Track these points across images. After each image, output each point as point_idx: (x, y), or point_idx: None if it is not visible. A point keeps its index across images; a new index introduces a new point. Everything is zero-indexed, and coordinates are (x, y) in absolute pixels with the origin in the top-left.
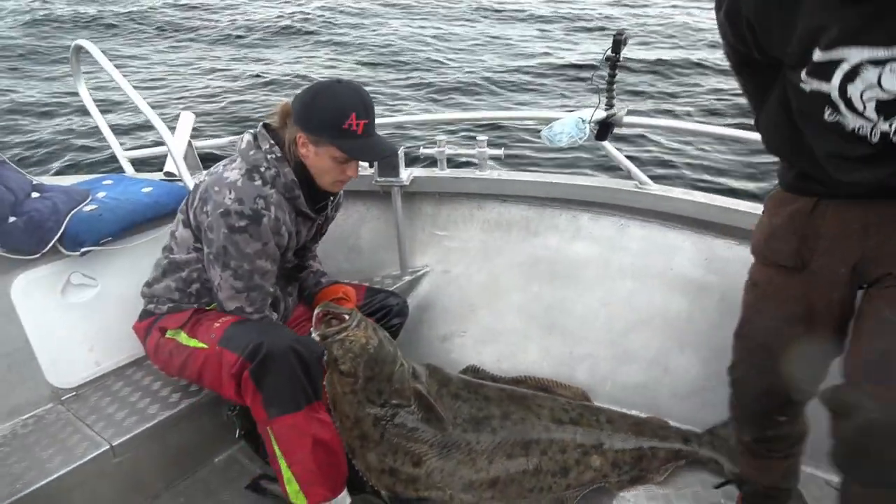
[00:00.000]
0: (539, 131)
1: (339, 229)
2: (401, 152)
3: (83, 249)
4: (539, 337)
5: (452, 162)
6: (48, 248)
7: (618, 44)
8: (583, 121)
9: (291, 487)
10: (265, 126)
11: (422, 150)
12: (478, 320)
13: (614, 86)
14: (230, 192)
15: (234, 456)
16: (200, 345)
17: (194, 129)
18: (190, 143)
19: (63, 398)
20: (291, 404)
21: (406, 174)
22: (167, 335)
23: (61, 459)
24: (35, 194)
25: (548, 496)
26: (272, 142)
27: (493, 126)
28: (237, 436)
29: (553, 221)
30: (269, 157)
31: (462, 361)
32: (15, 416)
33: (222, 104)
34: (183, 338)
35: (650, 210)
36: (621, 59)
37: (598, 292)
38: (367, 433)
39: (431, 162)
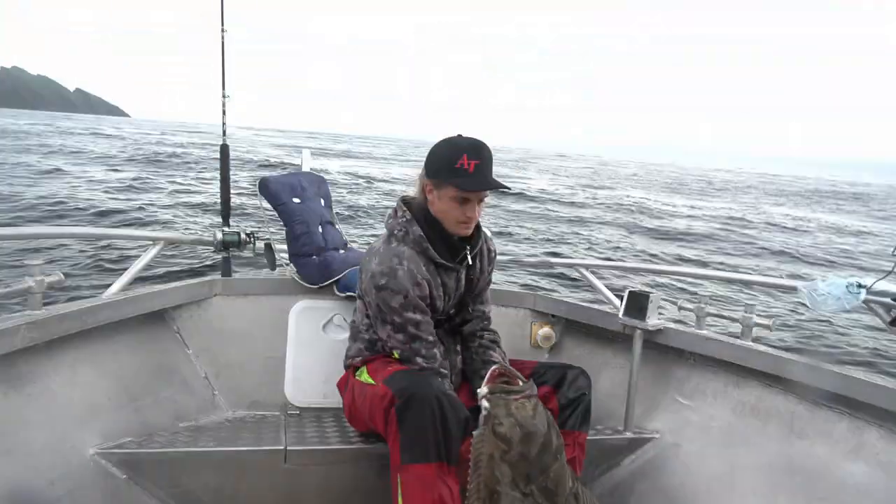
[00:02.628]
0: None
1: None
2: (654, 296)
3: (347, 293)
4: None
5: (713, 326)
6: (326, 284)
7: None
8: (859, 285)
9: None
10: (402, 199)
11: (681, 304)
12: None
13: None
14: (375, 258)
15: None
16: (372, 382)
17: None
18: None
19: (288, 412)
20: (424, 454)
21: (655, 321)
22: (356, 376)
23: (250, 439)
24: (342, 251)
25: None
26: (404, 208)
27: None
28: None
29: (826, 426)
30: (400, 220)
31: None
32: (253, 409)
33: None
34: (364, 376)
35: None
36: None
37: None
38: None
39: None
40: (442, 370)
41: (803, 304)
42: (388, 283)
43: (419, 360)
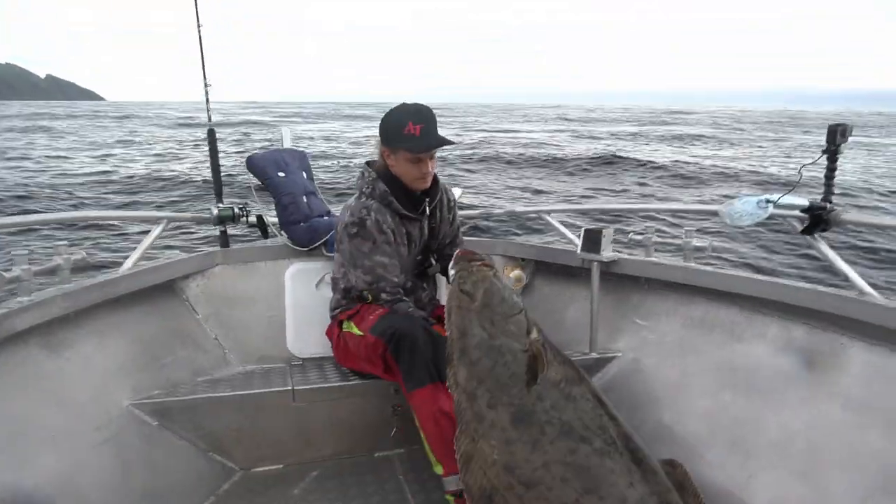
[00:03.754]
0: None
1: (546, 303)
2: (607, 231)
3: (334, 253)
4: (717, 450)
5: (661, 252)
6: (315, 246)
7: (833, 134)
8: (767, 201)
9: (431, 456)
10: (367, 163)
11: (631, 236)
12: (656, 416)
13: (833, 180)
14: (347, 212)
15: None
16: (360, 333)
17: None
18: None
19: (292, 363)
20: (420, 381)
21: (609, 253)
22: (343, 328)
23: (261, 385)
24: (325, 217)
25: None
26: (370, 170)
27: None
28: (392, 433)
29: (762, 329)
30: (367, 179)
31: None
32: (261, 362)
33: None
34: (353, 328)
35: (875, 326)
36: (842, 151)
37: (801, 416)
38: (468, 349)
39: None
40: (404, 299)
41: (725, 224)
42: (359, 232)
43: (384, 295)
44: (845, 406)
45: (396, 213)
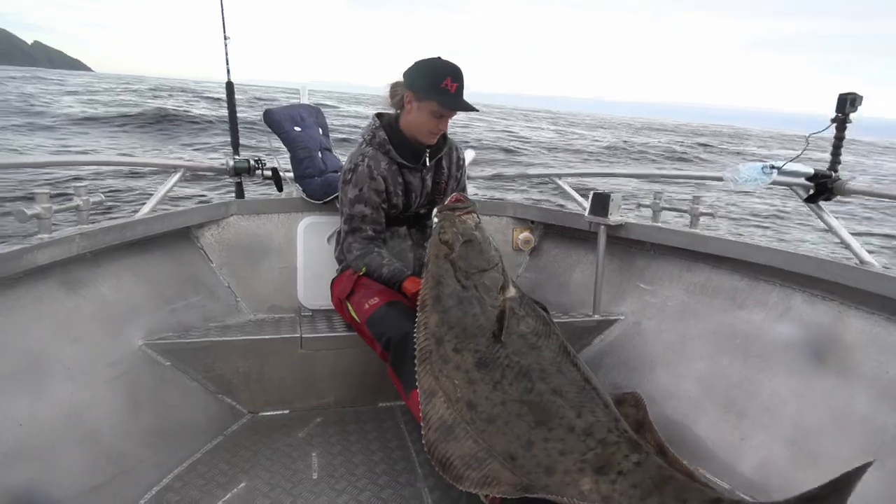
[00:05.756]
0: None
1: (553, 265)
2: (615, 196)
3: None
4: (711, 412)
5: (668, 219)
6: (328, 199)
7: (843, 103)
8: (772, 167)
9: None
10: (376, 113)
11: (639, 202)
12: (654, 378)
13: (841, 149)
14: (347, 159)
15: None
16: (357, 319)
17: None
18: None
19: (302, 313)
20: (414, 384)
21: (616, 217)
22: (346, 309)
23: (270, 332)
24: (339, 173)
25: (517, 474)
26: (377, 120)
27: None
28: None
29: (762, 297)
30: (371, 127)
31: None
32: (272, 312)
33: None
34: (352, 312)
35: (873, 294)
36: (851, 120)
37: (792, 381)
38: (441, 297)
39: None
40: (376, 251)
41: (729, 190)
42: (350, 177)
43: (355, 250)
44: (839, 373)
45: (394, 161)
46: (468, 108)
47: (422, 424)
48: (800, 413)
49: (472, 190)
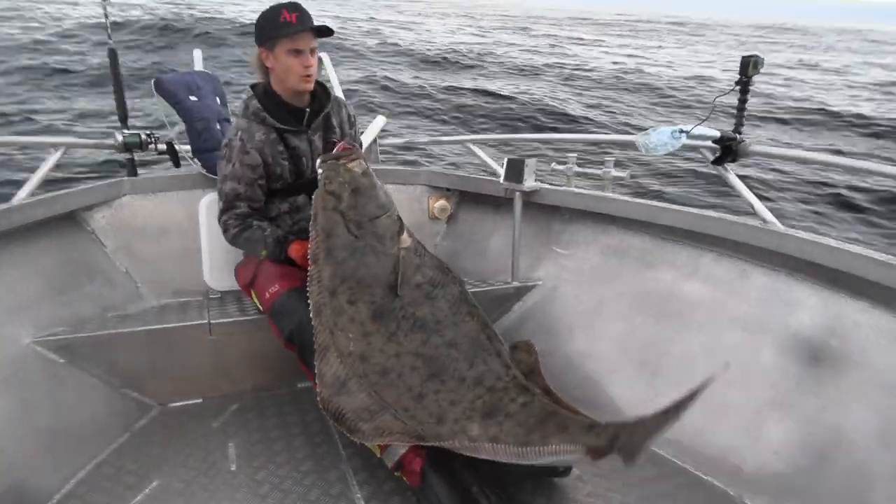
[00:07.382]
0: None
1: (471, 233)
2: (530, 162)
3: None
4: (627, 371)
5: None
6: None
7: (746, 66)
8: (681, 131)
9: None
10: (250, 85)
11: (553, 166)
12: (572, 341)
13: (744, 112)
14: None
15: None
16: (260, 307)
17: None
18: (375, 141)
19: (210, 296)
20: None
21: (531, 183)
22: (252, 296)
23: (176, 319)
24: None
25: (409, 424)
26: (250, 91)
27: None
28: None
29: (672, 257)
30: (245, 99)
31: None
32: (177, 296)
33: None
34: (255, 298)
35: (775, 252)
36: (753, 83)
37: (702, 338)
38: (333, 250)
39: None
40: (255, 224)
41: (640, 153)
42: (225, 154)
43: (231, 229)
44: (744, 328)
45: (273, 128)
46: (316, 28)
47: (316, 381)
48: (709, 368)
49: (384, 160)
